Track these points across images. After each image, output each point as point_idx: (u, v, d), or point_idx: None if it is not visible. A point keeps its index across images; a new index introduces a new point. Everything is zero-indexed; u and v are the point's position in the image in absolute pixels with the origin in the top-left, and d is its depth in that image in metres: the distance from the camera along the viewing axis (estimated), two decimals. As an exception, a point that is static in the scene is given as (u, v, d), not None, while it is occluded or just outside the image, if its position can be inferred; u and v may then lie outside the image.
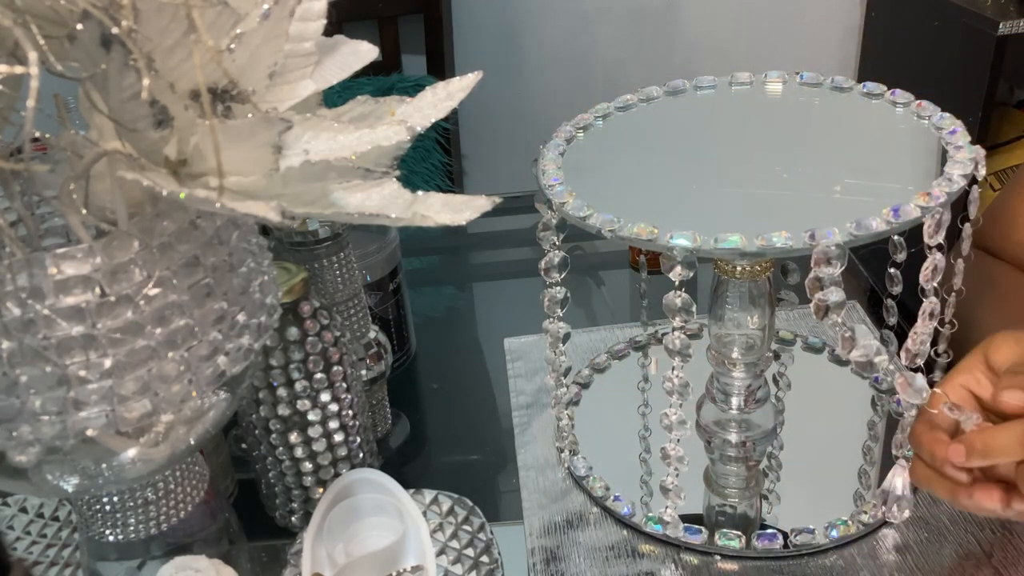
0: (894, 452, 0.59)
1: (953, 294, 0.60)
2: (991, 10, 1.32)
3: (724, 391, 0.63)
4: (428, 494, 0.66)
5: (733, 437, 0.63)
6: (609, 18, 1.78)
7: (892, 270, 0.60)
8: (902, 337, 0.56)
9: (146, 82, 0.33)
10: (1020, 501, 0.48)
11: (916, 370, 0.52)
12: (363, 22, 1.60)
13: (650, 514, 0.63)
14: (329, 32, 0.40)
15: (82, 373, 0.38)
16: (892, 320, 0.66)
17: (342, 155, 0.38)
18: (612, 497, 0.66)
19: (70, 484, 0.43)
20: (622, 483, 0.67)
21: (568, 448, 0.70)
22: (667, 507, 0.61)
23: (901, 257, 0.59)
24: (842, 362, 0.76)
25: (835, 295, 0.49)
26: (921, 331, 0.53)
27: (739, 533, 0.61)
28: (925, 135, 0.58)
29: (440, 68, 1.60)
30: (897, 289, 0.61)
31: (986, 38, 1.31)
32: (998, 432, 0.47)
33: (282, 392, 0.61)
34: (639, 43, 1.81)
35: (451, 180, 1.54)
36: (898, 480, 0.59)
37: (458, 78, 0.43)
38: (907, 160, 0.57)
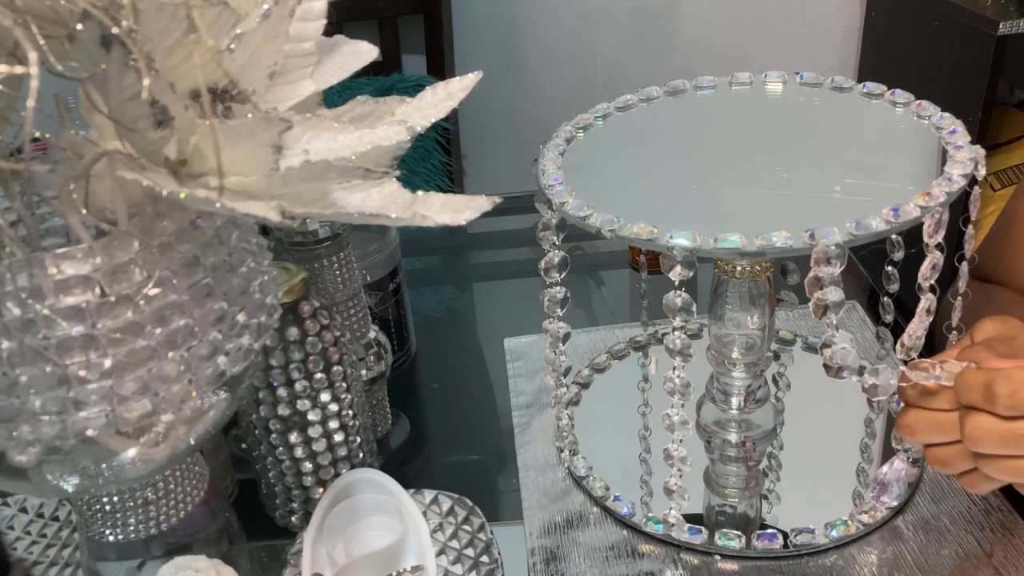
0: (894, 445, 0.59)
1: (959, 298, 0.60)
2: (991, 10, 1.32)
3: (724, 391, 0.63)
4: (428, 494, 0.66)
5: (733, 437, 0.63)
6: (609, 18, 1.78)
7: (889, 268, 0.60)
8: (899, 336, 0.56)
9: (146, 82, 0.33)
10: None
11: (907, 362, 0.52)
12: (363, 22, 1.60)
13: (650, 514, 0.63)
14: (329, 32, 0.40)
15: (82, 373, 0.38)
16: (888, 318, 0.66)
17: (342, 155, 0.38)
18: (612, 497, 0.66)
19: (70, 484, 0.43)
20: (622, 483, 0.67)
21: (568, 448, 0.70)
22: (671, 509, 0.60)
23: (899, 256, 0.59)
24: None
25: (834, 295, 0.49)
26: (917, 327, 0.53)
27: (739, 533, 0.61)
28: (925, 135, 0.58)
29: (440, 68, 1.60)
30: (894, 287, 0.61)
31: (986, 38, 1.31)
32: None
33: (282, 392, 0.61)
34: (639, 43, 1.81)
35: (451, 180, 1.54)
36: (892, 467, 0.59)
37: (458, 78, 0.43)
38: (907, 160, 0.57)
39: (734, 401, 0.63)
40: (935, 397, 0.50)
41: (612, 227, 0.52)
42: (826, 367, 0.52)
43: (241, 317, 0.43)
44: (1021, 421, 0.46)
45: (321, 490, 0.65)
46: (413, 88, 1.45)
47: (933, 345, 0.75)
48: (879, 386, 0.52)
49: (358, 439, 0.66)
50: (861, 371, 0.53)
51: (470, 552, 0.62)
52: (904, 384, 0.51)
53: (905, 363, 0.52)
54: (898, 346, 0.53)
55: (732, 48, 1.80)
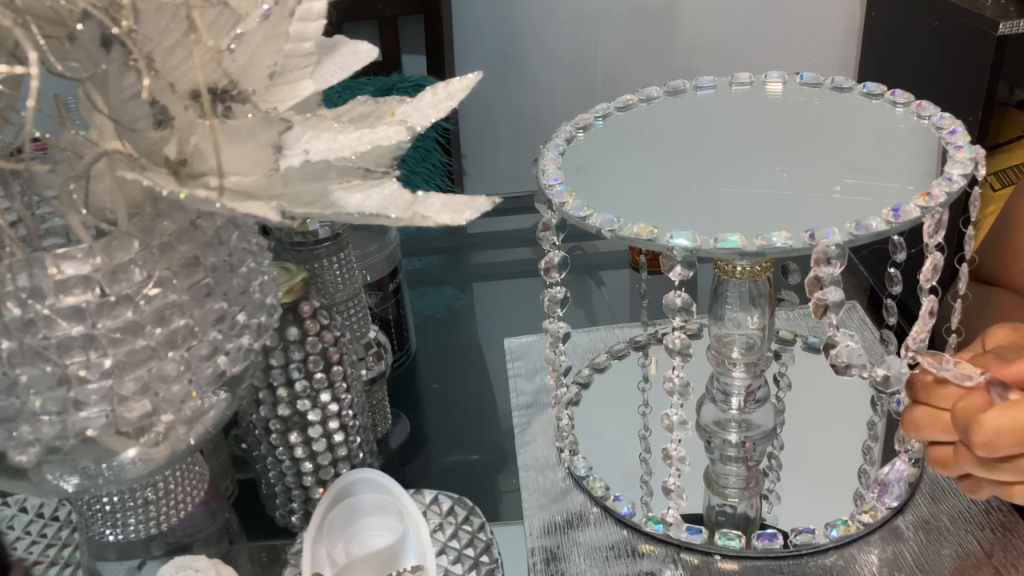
0: (896, 446, 0.59)
1: (959, 300, 0.60)
2: (991, 10, 1.32)
3: (724, 391, 0.63)
4: (428, 494, 0.66)
5: (733, 437, 0.63)
6: (609, 18, 1.78)
7: (892, 270, 0.60)
8: (902, 337, 0.56)
9: (146, 82, 0.33)
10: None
11: (913, 367, 0.52)
12: (363, 22, 1.60)
13: (650, 514, 0.63)
14: (329, 32, 0.40)
15: (82, 373, 0.38)
16: (892, 320, 0.65)
17: (342, 155, 0.38)
18: (612, 497, 0.66)
19: (70, 484, 0.43)
20: (622, 483, 0.67)
21: (568, 448, 0.70)
22: (669, 508, 0.60)
23: (901, 257, 0.59)
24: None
25: (834, 295, 0.49)
26: (921, 329, 0.53)
27: (739, 533, 0.61)
28: (925, 135, 0.58)
29: (440, 68, 1.60)
30: (897, 289, 0.61)
31: (986, 38, 1.31)
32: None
33: (282, 392, 0.61)
34: (639, 43, 1.81)
35: (451, 180, 1.54)
36: (893, 468, 0.59)
37: (458, 78, 0.43)
38: (907, 160, 0.57)
39: (734, 401, 0.63)
40: (941, 395, 0.50)
41: (612, 227, 0.52)
42: (833, 366, 0.51)
43: (241, 317, 0.43)
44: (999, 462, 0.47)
45: (321, 490, 0.65)
46: (413, 88, 1.45)
47: (935, 347, 0.75)
48: (891, 377, 0.52)
49: (358, 439, 0.66)
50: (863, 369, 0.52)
51: (470, 552, 0.62)
52: (914, 373, 0.51)
53: (911, 367, 0.52)
54: (903, 349, 0.53)
55: (732, 48, 1.80)
